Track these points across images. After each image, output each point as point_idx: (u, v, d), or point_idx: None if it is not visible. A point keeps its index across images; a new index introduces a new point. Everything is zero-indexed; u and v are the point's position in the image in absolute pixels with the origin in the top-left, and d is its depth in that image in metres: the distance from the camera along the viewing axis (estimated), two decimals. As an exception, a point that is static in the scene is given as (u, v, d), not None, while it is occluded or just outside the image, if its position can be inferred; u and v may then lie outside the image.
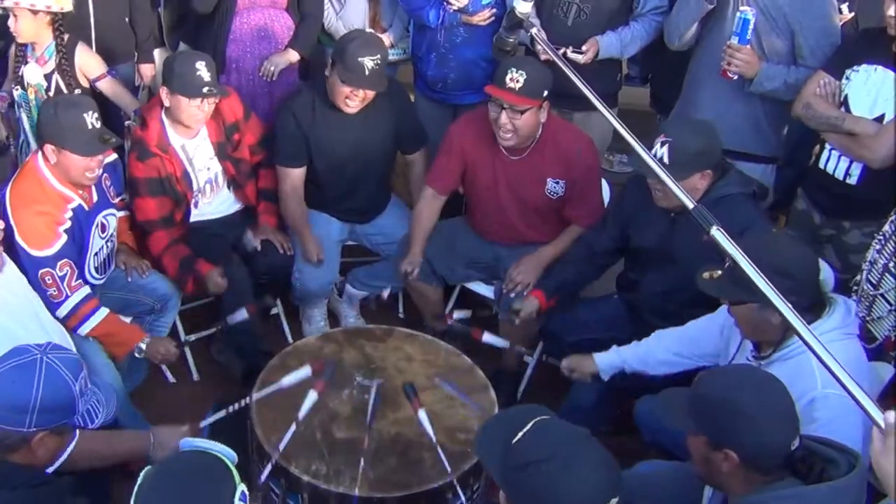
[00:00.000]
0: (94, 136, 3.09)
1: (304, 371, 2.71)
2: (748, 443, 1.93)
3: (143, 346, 3.22)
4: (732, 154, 3.40)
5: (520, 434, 1.79)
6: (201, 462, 1.85)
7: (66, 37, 3.77)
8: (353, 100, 3.57)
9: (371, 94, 3.58)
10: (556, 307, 3.44)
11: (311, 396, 2.62)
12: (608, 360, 3.03)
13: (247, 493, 1.83)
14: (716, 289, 2.50)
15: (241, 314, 3.27)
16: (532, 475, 1.74)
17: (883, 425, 1.57)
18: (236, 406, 2.73)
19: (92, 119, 3.08)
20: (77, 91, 3.80)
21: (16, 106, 3.91)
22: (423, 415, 2.58)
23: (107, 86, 3.95)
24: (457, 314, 3.31)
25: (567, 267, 3.48)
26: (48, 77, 3.79)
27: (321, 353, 3.02)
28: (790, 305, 1.68)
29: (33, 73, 3.80)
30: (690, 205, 1.84)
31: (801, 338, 1.68)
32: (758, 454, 1.94)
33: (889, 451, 1.56)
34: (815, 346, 1.64)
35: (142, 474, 1.84)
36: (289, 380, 2.70)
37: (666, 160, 2.90)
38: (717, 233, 1.76)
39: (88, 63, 3.88)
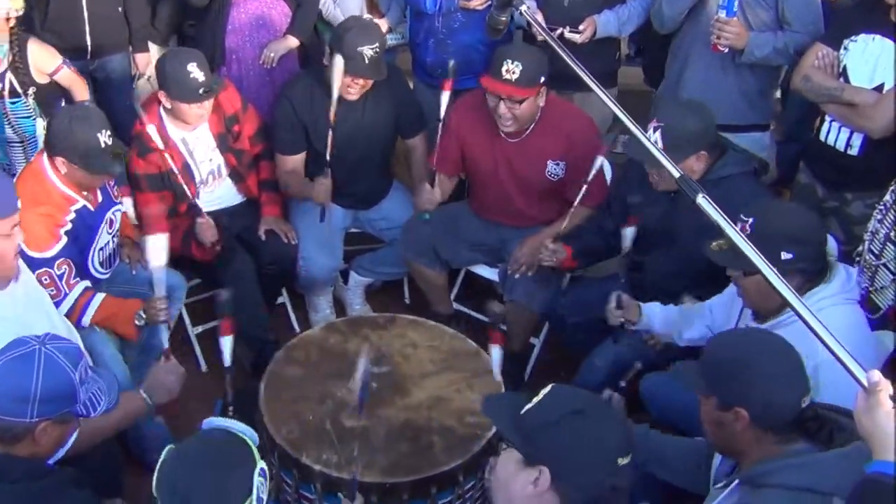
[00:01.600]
0: (106, 153, 3.09)
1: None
2: (759, 401, 1.95)
3: (143, 313, 3.18)
4: (727, 128, 3.40)
5: (535, 400, 1.82)
6: (222, 440, 1.92)
7: (18, 34, 3.71)
8: (353, 88, 3.57)
9: (370, 81, 3.59)
10: (576, 267, 3.49)
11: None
12: (653, 312, 3.04)
13: (266, 469, 1.89)
14: (724, 259, 2.52)
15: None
16: (564, 429, 1.77)
17: (866, 384, 1.58)
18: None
19: (105, 137, 3.08)
20: (32, 89, 3.74)
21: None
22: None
23: (64, 77, 3.86)
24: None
25: (589, 236, 3.48)
26: (0, 77, 3.73)
27: (326, 343, 3.02)
28: (775, 270, 1.69)
29: None
30: (676, 174, 1.85)
31: (783, 299, 1.68)
32: (769, 413, 1.96)
33: (872, 409, 1.58)
34: (800, 309, 1.65)
35: (164, 452, 1.89)
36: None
37: (660, 145, 2.90)
38: (703, 201, 1.76)
39: (42, 57, 3.79)
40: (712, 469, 2.28)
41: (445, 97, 3.50)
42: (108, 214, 3.31)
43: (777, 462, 1.93)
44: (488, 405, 1.98)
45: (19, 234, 2.53)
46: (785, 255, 2.37)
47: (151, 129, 3.36)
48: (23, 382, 2.02)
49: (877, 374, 1.59)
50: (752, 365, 1.97)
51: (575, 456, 1.76)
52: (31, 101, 3.70)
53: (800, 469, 1.91)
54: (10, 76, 3.71)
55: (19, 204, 2.54)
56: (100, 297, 3.18)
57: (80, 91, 3.92)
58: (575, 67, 2.11)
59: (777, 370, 1.96)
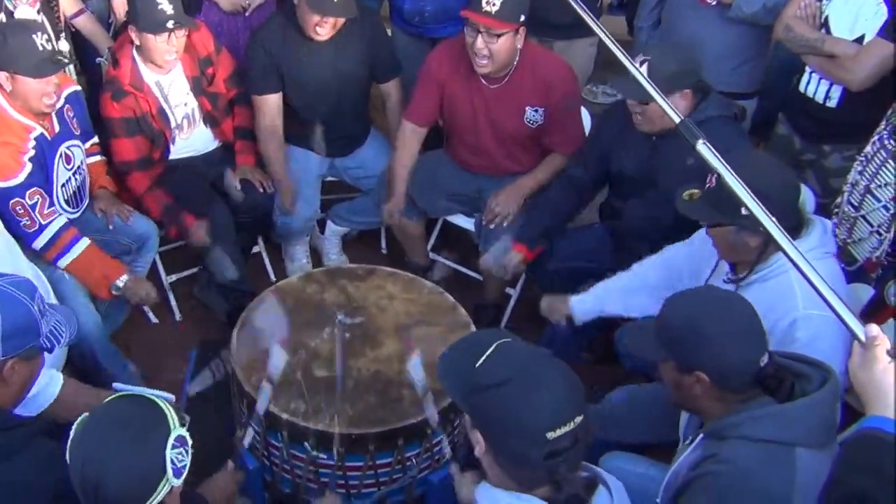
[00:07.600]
0: (45, 57, 3.02)
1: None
2: (715, 363, 1.93)
3: (121, 285, 3.18)
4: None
5: (482, 358, 1.76)
6: (134, 408, 1.82)
7: None
8: (322, 27, 3.50)
9: (341, 20, 3.52)
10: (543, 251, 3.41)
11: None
12: (584, 307, 3.01)
13: (186, 436, 1.80)
14: (694, 211, 2.49)
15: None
16: (494, 397, 1.71)
17: (864, 339, 1.58)
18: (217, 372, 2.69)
19: (42, 40, 3.01)
20: (63, 33, 3.71)
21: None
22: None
23: (84, 22, 3.86)
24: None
25: (547, 208, 3.43)
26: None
27: (303, 293, 2.99)
28: (775, 221, 1.67)
29: (28, 15, 3.65)
30: (676, 118, 1.80)
31: (785, 253, 1.68)
32: (727, 373, 1.94)
33: (869, 363, 1.58)
34: (799, 261, 1.64)
35: (75, 423, 1.81)
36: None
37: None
38: (703, 147, 1.73)
39: None
40: (681, 424, 2.29)
41: None
42: (62, 148, 3.24)
43: (740, 415, 1.93)
44: (446, 361, 1.88)
45: None
46: (745, 211, 2.32)
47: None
48: None
49: (875, 329, 1.59)
50: (707, 328, 1.94)
51: (501, 428, 1.72)
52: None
53: (762, 420, 1.90)
54: (42, 16, 3.64)
55: None
56: (84, 242, 3.15)
57: (101, 38, 3.88)
58: (572, 2, 2.06)
59: (732, 331, 1.94)
